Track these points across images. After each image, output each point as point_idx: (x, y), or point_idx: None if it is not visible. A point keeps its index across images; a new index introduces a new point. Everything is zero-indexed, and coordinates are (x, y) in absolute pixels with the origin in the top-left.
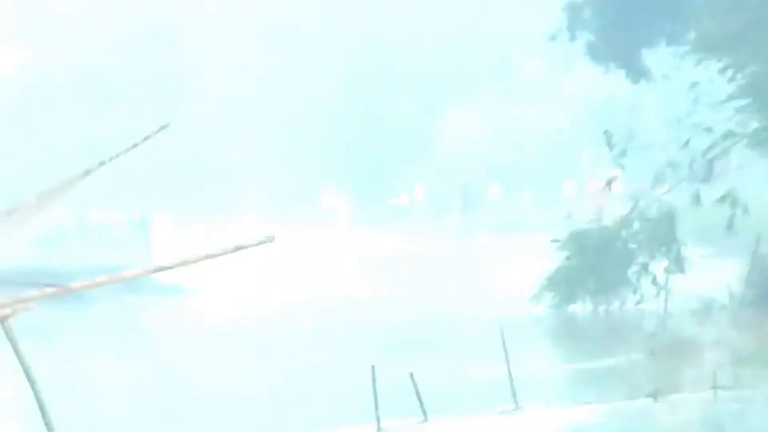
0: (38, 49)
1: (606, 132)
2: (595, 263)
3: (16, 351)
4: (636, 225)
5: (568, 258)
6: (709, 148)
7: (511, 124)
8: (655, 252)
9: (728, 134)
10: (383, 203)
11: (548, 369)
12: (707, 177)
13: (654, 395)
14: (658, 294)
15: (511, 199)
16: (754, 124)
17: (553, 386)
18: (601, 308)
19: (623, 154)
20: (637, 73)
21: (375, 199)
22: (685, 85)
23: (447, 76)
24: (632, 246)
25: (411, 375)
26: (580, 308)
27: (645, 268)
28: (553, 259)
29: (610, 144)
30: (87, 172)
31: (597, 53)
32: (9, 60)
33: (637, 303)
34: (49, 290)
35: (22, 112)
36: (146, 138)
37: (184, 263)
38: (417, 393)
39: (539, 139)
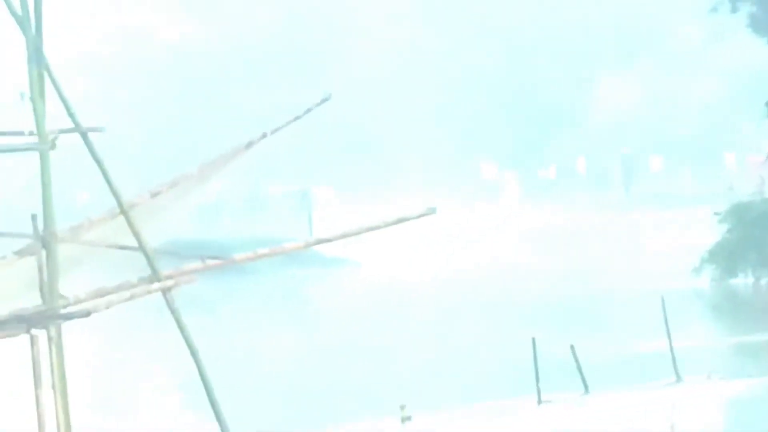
0: (205, 21)
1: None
2: (758, 236)
3: (179, 323)
4: None
5: (729, 231)
6: None
7: (671, 96)
8: None
9: None
10: (543, 176)
11: (709, 342)
12: None
13: None
14: None
15: (671, 172)
16: None
17: (715, 359)
18: (763, 281)
19: None
20: None
21: (534, 171)
22: None
23: (605, 46)
24: None
25: (572, 347)
26: (742, 281)
27: None
28: (715, 232)
29: None
30: (249, 145)
31: (759, 24)
32: (177, 30)
33: None
34: (212, 262)
35: (186, 84)
36: (308, 110)
37: (345, 236)
38: (578, 365)
39: (699, 111)
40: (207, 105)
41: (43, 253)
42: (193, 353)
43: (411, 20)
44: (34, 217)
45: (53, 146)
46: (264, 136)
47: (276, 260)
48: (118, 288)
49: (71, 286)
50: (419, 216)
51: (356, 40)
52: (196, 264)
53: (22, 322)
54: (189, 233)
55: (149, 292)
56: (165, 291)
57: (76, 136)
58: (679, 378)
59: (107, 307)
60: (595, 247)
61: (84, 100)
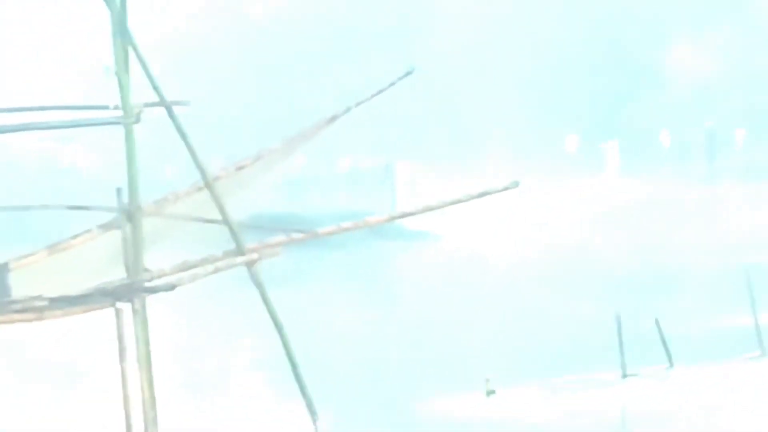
0: None
1: None
2: None
3: (263, 295)
4: None
5: None
6: None
7: (759, 70)
8: None
9: None
10: (626, 149)
11: None
12: None
13: None
14: None
15: (756, 145)
16: None
17: None
18: None
19: None
20: None
21: (617, 145)
22: None
23: (685, 15)
24: None
25: (656, 321)
26: None
27: None
28: None
29: None
30: (333, 119)
31: None
32: (263, 5)
33: None
34: (296, 236)
35: (270, 58)
36: (391, 84)
37: (428, 209)
38: (662, 339)
39: None
40: (292, 79)
41: (128, 226)
42: (278, 328)
43: None
44: (119, 191)
45: (138, 120)
46: (348, 109)
47: (359, 233)
48: (203, 261)
49: (156, 259)
50: (502, 189)
51: (439, 13)
52: (281, 237)
53: (107, 295)
54: (273, 207)
55: (233, 266)
56: (249, 264)
57: (163, 111)
58: (764, 352)
59: (192, 281)
60: (679, 221)
61: (170, 75)
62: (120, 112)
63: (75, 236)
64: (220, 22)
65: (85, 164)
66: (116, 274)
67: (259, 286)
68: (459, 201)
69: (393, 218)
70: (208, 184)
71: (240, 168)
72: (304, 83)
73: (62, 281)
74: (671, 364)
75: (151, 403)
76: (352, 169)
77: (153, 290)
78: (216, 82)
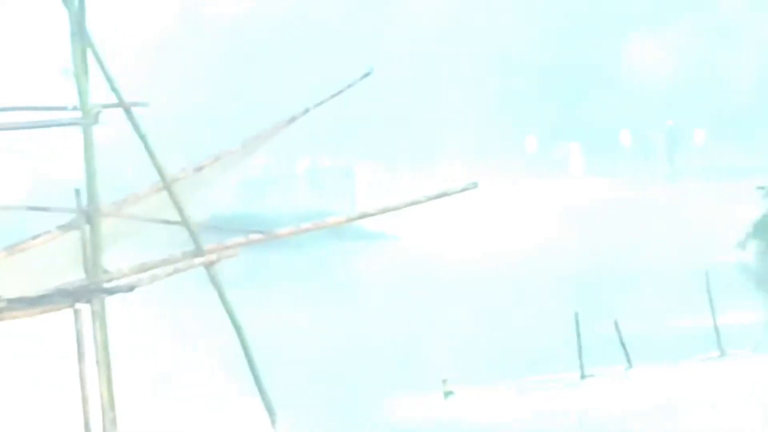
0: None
1: None
2: None
3: (221, 296)
4: None
5: None
6: None
7: (718, 70)
8: None
9: None
10: (586, 149)
11: (754, 316)
12: None
13: None
14: None
15: (716, 145)
16: None
17: (760, 333)
18: None
19: None
20: None
21: (577, 145)
22: None
23: (646, 17)
24: None
25: (615, 322)
26: None
27: None
28: (759, 206)
29: None
30: (292, 119)
31: None
32: (221, 8)
33: None
34: (255, 236)
35: (231, 59)
36: (350, 85)
37: (386, 210)
38: (621, 340)
39: (746, 84)
40: (251, 80)
41: (87, 227)
42: (237, 328)
43: None
44: (77, 192)
45: (96, 121)
46: (307, 110)
47: (319, 234)
48: (162, 262)
49: (115, 260)
50: (460, 190)
51: (399, 14)
52: (239, 238)
53: (67, 296)
54: (233, 208)
55: (192, 267)
56: (208, 265)
57: (123, 111)
58: (723, 353)
59: (151, 282)
60: (639, 221)
61: (129, 76)
62: (78, 113)
63: (34, 237)
64: (180, 23)
65: (45, 165)
66: (75, 275)
67: (217, 286)
68: (418, 202)
69: (352, 219)
70: (167, 185)
71: (199, 169)
72: (264, 84)
73: (21, 282)
74: (630, 365)
75: (110, 404)
76: (311, 169)
77: (112, 291)
78: (175, 83)
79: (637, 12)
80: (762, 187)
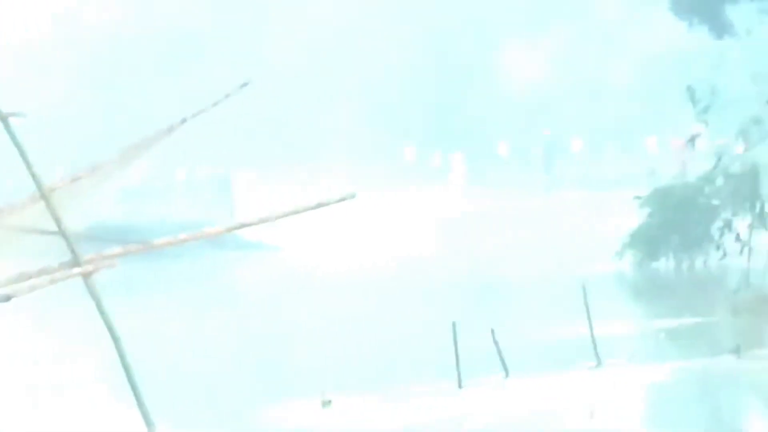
0: (125, 5)
1: (689, 88)
2: (678, 220)
3: (99, 307)
4: (719, 181)
5: (650, 215)
6: None
7: (593, 79)
8: (739, 208)
9: None
10: (464, 159)
11: (631, 326)
12: None
13: (736, 351)
14: (741, 250)
15: (594, 155)
16: None
17: (636, 343)
18: (684, 265)
19: (706, 110)
20: (721, 28)
21: (455, 155)
22: None
23: (518, 24)
24: (715, 202)
25: (492, 332)
26: (663, 265)
27: (728, 224)
28: (636, 216)
29: (693, 100)
30: (170, 129)
31: (680, 8)
32: (95, 15)
33: (720, 259)
34: (132, 247)
35: (111, 69)
36: (227, 95)
37: (265, 220)
38: (498, 350)
39: (621, 93)
40: (130, 90)
41: None
42: (115, 339)
43: (332, 1)
44: None
45: None
46: (184, 120)
47: (197, 244)
48: (39, 272)
49: None
50: (339, 201)
51: (276, 24)
52: (117, 249)
53: None
54: (111, 217)
55: (69, 277)
56: (85, 276)
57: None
58: (599, 362)
59: (29, 292)
60: (517, 231)
61: (5, 86)
62: None
63: None
64: (57, 33)
65: None
66: None
67: (95, 297)
68: (296, 212)
69: (230, 229)
70: (44, 195)
71: (76, 179)
72: (142, 94)
73: None
74: (507, 374)
75: None
76: (189, 179)
77: None
78: (53, 93)
79: (512, 19)
80: (639, 197)
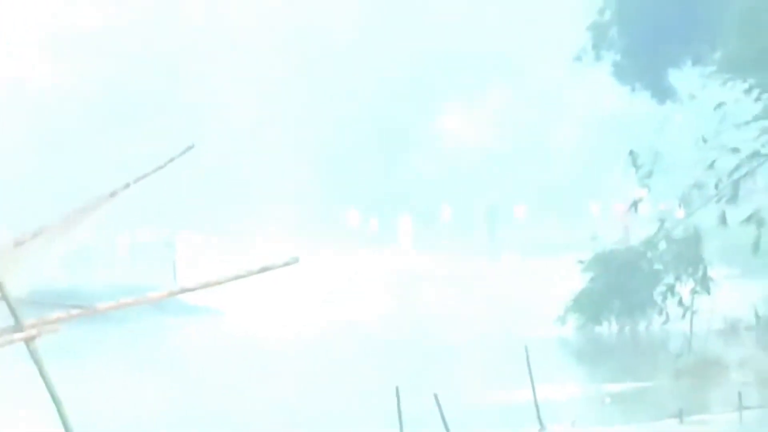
0: (69, 71)
1: (632, 152)
2: (621, 284)
3: (42, 372)
4: (662, 246)
5: (593, 279)
6: (736, 168)
7: (536, 143)
8: (681, 273)
9: (754, 154)
10: (408, 224)
11: (574, 390)
12: (733, 197)
13: (679, 416)
14: (684, 315)
15: (537, 220)
16: None
17: (579, 407)
18: (627, 329)
19: (649, 174)
20: (663, 93)
21: (399, 219)
22: (711, 105)
23: (471, 96)
24: (658, 267)
25: (435, 396)
26: (606, 329)
27: (671, 288)
28: (579, 280)
29: (636, 164)
30: (113, 194)
31: (623, 73)
32: (39, 80)
33: (663, 324)
34: (75, 311)
35: (50, 133)
36: (171, 159)
37: (207, 285)
38: (441, 414)
39: (564, 158)
40: (74, 153)
41: None
42: (56, 403)
43: (275, 68)
44: None
45: None
46: (128, 185)
47: (141, 308)
48: None
49: None
50: (282, 265)
51: (219, 90)
52: (60, 313)
53: None
54: (54, 282)
55: (11, 342)
56: (28, 341)
57: None
58: (542, 426)
59: None
60: (460, 296)
61: None
62: None
63: None
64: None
65: None
66: None
67: (37, 362)
68: (239, 277)
69: (173, 294)
70: None
71: (19, 244)
72: (86, 157)
73: None
74: None
75: None
76: (132, 243)
77: None
78: None
79: (453, 82)
80: (582, 262)
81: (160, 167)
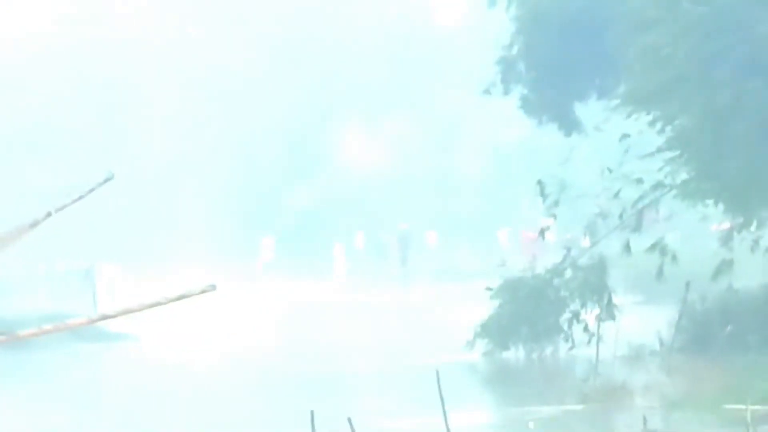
0: None
1: (539, 182)
2: (528, 311)
3: None
4: (568, 273)
5: (501, 306)
6: (639, 198)
7: (448, 173)
8: (587, 300)
9: (657, 185)
10: (322, 252)
11: (483, 414)
12: (637, 227)
13: None
14: (589, 341)
15: (447, 247)
16: (683, 176)
17: (487, 431)
18: (534, 354)
19: (556, 203)
20: (570, 125)
21: (312, 248)
22: (615, 137)
23: (378, 125)
24: (564, 294)
25: (349, 420)
26: (513, 354)
27: (577, 315)
28: (488, 307)
29: (543, 194)
30: (34, 223)
31: (530, 106)
32: None
33: (570, 349)
34: None
35: None
36: (91, 190)
37: (127, 312)
38: None
39: (475, 187)
40: None
41: None
42: None
43: (190, 103)
44: None
45: None
46: (49, 214)
47: (61, 335)
48: None
49: None
50: (200, 292)
51: (139, 119)
52: None
53: None
54: None
55: None
56: None
57: None
58: None
59: None
60: (372, 322)
61: None
62: None
63: None
64: None
65: None
66: None
67: None
68: (158, 304)
69: (93, 321)
70: None
71: None
72: (5, 188)
73: None
74: None
75: None
76: (51, 272)
77: None
78: None
79: (358, 109)
80: (490, 289)
81: (81, 197)
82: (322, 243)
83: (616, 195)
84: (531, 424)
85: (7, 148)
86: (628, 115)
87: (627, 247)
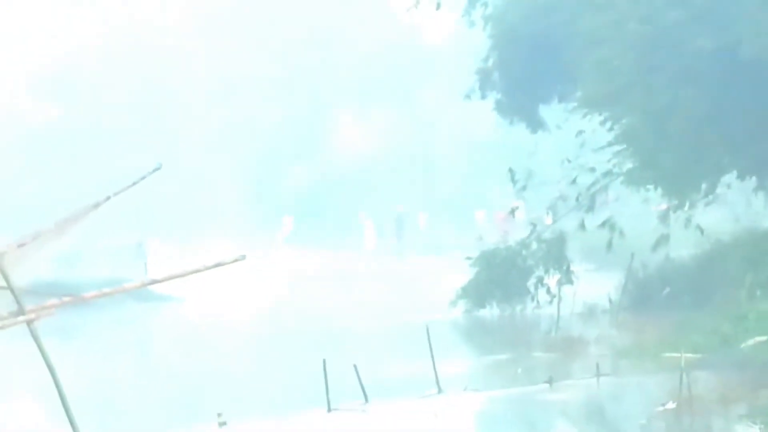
0: (61, 108)
1: (510, 170)
2: (501, 276)
3: (41, 349)
4: (534, 246)
5: (478, 272)
6: (593, 184)
7: (436, 165)
8: (549, 267)
9: (608, 173)
10: (330, 227)
11: (465, 361)
12: (591, 207)
13: (550, 381)
14: (551, 301)
15: (433, 226)
16: (628, 165)
17: (469, 375)
18: (506, 312)
19: (524, 188)
20: (535, 124)
21: (323, 224)
22: (573, 133)
23: (372, 117)
24: (531, 262)
25: (355, 367)
26: (489, 312)
27: (541, 280)
28: (467, 273)
29: (513, 180)
30: (96, 205)
31: (503, 109)
32: (38, 116)
33: (535, 308)
34: (66, 299)
35: (46, 158)
36: (143, 177)
37: (171, 277)
38: (359, 380)
39: (457, 176)
40: (65, 171)
41: None
42: (51, 370)
43: (227, 104)
44: None
45: None
46: (108, 198)
47: (119, 297)
48: None
49: None
50: (232, 261)
51: (185, 122)
52: (54, 300)
53: None
54: (49, 276)
55: (16, 324)
56: (29, 323)
57: None
58: (440, 390)
59: None
60: (375, 287)
61: None
62: None
63: None
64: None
65: None
66: None
67: (36, 339)
68: (198, 270)
69: (145, 285)
70: None
71: (21, 245)
72: (74, 176)
73: None
74: (367, 400)
75: None
76: (110, 246)
77: None
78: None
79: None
80: (470, 258)
81: (134, 183)
82: (328, 219)
83: (574, 181)
84: (519, 370)
85: (73, 142)
86: (584, 116)
87: (582, 225)
